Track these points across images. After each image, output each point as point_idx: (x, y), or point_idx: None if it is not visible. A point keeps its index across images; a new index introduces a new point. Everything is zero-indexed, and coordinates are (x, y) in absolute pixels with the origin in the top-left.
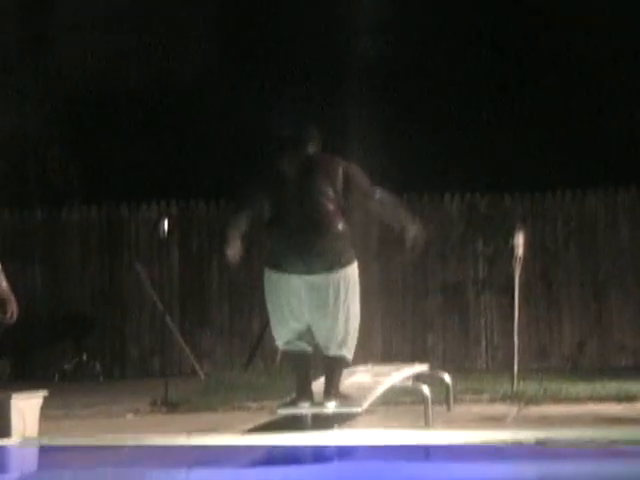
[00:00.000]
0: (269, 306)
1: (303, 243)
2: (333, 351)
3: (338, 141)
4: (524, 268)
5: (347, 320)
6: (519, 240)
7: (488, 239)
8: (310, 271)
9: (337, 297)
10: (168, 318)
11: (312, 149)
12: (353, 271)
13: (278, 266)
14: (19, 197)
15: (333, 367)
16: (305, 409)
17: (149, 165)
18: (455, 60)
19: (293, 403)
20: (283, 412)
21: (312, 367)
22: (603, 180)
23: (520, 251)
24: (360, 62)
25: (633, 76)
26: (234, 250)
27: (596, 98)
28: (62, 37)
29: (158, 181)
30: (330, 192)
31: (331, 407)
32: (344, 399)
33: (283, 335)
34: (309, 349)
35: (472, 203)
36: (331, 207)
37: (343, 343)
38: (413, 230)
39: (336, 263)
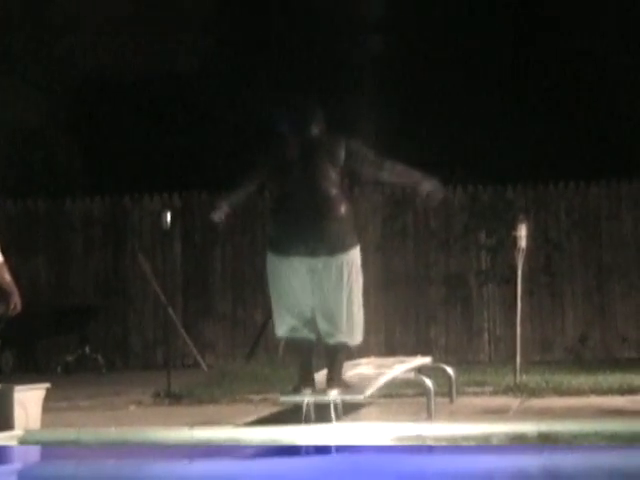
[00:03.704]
0: (271, 290)
1: (305, 226)
2: (335, 337)
3: (340, 134)
4: (527, 260)
5: (350, 305)
6: (522, 232)
7: (491, 231)
8: (312, 254)
9: (340, 281)
10: (170, 310)
11: (315, 130)
12: (356, 255)
13: (280, 249)
14: (22, 188)
15: (335, 354)
16: (307, 397)
17: (152, 157)
18: (456, 52)
19: (295, 390)
20: (286, 400)
21: (315, 355)
22: (606, 172)
23: (523, 243)
24: (362, 55)
25: (637, 67)
26: (220, 212)
27: (599, 89)
28: (66, 27)
29: (161, 173)
30: (333, 175)
31: (334, 395)
32: (347, 387)
33: (285, 321)
34: (312, 337)
35: (475, 195)
36: (334, 190)
37: (345, 329)
38: (429, 181)
39: (339, 246)
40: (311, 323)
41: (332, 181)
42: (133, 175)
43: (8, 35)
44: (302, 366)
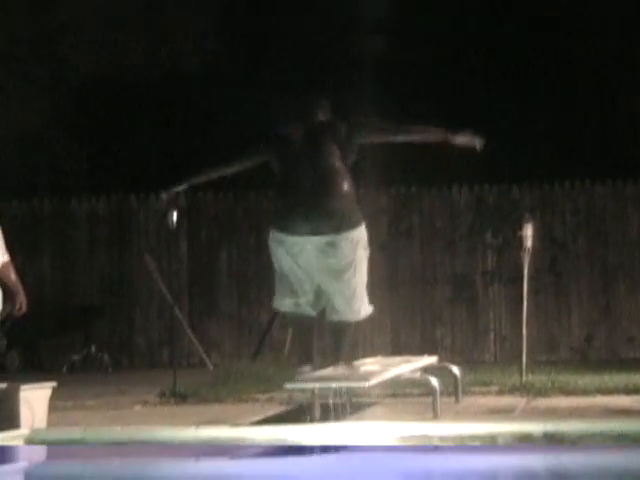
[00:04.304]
0: (275, 266)
1: (311, 204)
2: (340, 315)
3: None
4: (532, 259)
5: (355, 283)
6: (527, 231)
7: (496, 230)
8: (319, 232)
9: (346, 259)
10: (176, 309)
11: (319, 110)
12: (362, 232)
13: (285, 227)
14: (28, 188)
15: (341, 332)
16: (312, 384)
17: (158, 156)
18: (461, 49)
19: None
20: (290, 387)
21: (315, 333)
22: (612, 171)
23: (529, 242)
24: (364, 55)
25: None
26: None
27: (606, 89)
28: (70, 28)
29: (167, 172)
30: (338, 153)
31: (338, 383)
32: (353, 367)
33: (287, 297)
34: (313, 314)
35: (480, 194)
36: (339, 169)
37: (351, 307)
38: (455, 133)
39: (345, 224)
40: (314, 301)
41: (336, 160)
42: (139, 174)
43: (11, 36)
44: (302, 342)
